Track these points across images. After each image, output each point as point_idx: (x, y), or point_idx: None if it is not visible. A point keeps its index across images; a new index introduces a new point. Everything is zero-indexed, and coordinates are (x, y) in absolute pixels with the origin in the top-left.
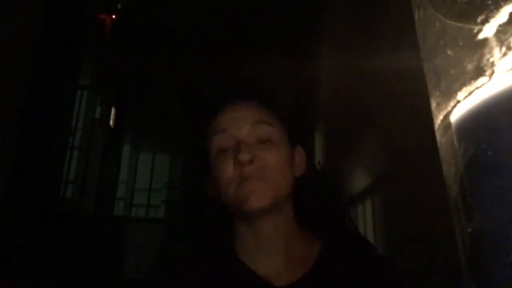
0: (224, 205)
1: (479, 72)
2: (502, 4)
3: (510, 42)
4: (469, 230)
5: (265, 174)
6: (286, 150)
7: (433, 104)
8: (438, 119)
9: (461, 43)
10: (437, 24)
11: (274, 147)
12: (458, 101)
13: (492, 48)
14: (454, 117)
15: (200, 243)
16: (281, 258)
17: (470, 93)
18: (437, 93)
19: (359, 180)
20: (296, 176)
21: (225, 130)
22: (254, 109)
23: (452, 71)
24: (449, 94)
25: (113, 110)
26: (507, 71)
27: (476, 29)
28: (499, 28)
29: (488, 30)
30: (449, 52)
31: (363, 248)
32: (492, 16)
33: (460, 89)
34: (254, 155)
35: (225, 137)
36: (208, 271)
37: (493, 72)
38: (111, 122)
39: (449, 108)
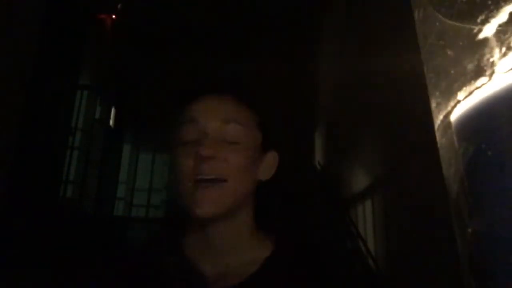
0: None
1: (479, 72)
2: (502, 4)
3: (510, 42)
4: (469, 230)
5: (223, 176)
6: (251, 153)
7: (433, 104)
8: (438, 119)
9: (461, 43)
10: (437, 24)
11: (239, 149)
12: (458, 101)
13: (492, 48)
14: (454, 117)
15: (154, 237)
16: (228, 261)
17: (470, 93)
18: (437, 93)
19: (359, 180)
20: (262, 179)
21: (194, 120)
22: (229, 104)
23: (452, 71)
24: (449, 94)
25: (113, 110)
26: (507, 71)
27: (476, 29)
28: (499, 28)
29: (488, 30)
30: (449, 52)
31: (308, 256)
32: (492, 16)
33: (460, 89)
34: (217, 152)
35: (192, 128)
36: (153, 265)
37: (493, 72)
38: (111, 122)
39: (449, 108)
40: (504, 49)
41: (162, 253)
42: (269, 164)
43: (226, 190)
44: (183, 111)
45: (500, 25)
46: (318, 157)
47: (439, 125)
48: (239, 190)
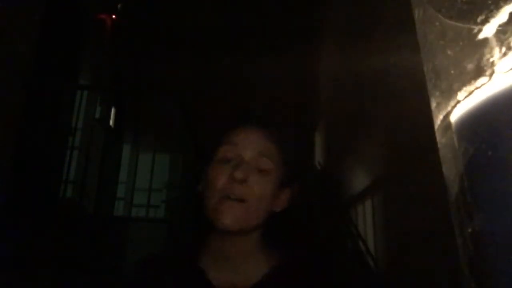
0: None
1: (479, 72)
2: (502, 4)
3: (510, 42)
4: (469, 230)
5: (248, 200)
6: (275, 186)
7: (433, 104)
8: (438, 119)
9: (461, 43)
10: (437, 24)
11: (267, 180)
12: (458, 101)
13: (492, 48)
14: (454, 117)
15: (173, 247)
16: (236, 273)
17: (470, 93)
18: (437, 93)
19: (359, 180)
20: (275, 210)
21: (235, 144)
22: (267, 141)
23: (452, 71)
24: (449, 94)
25: (113, 110)
26: (507, 71)
27: (476, 29)
28: (499, 28)
29: (488, 30)
30: (449, 52)
31: (310, 273)
32: (492, 16)
33: (460, 89)
34: (248, 178)
35: (233, 150)
36: (168, 275)
37: (493, 72)
38: (111, 122)
39: (449, 108)
40: (504, 49)
41: (181, 261)
42: (283, 199)
43: (247, 210)
44: (227, 134)
45: (500, 25)
46: (318, 157)
47: (439, 125)
48: (257, 213)
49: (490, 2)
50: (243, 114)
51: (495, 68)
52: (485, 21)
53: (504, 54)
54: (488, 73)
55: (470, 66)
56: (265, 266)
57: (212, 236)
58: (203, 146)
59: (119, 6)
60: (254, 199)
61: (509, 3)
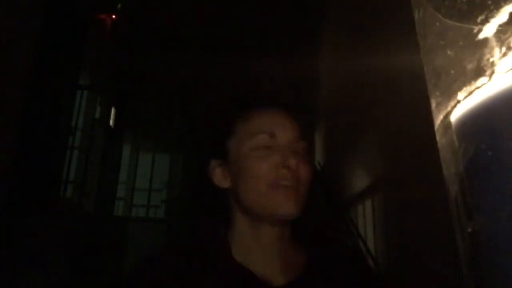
0: (228, 199)
1: (479, 72)
2: (502, 4)
3: (510, 42)
4: (469, 230)
5: (300, 186)
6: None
7: (433, 104)
8: (438, 119)
9: (461, 43)
10: (437, 24)
11: (309, 163)
12: (458, 101)
13: (492, 48)
14: (454, 117)
15: (195, 240)
16: (277, 261)
17: (470, 93)
18: (437, 93)
19: (359, 180)
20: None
21: (273, 134)
22: (297, 122)
23: (452, 71)
24: (449, 94)
25: (113, 110)
26: (507, 71)
27: (476, 29)
28: (499, 28)
29: (488, 30)
30: (449, 52)
31: (348, 256)
32: (492, 16)
33: (460, 89)
34: (300, 165)
35: (268, 139)
36: (202, 270)
37: (493, 72)
38: (111, 122)
39: (449, 108)
40: (504, 49)
41: (210, 254)
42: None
43: (301, 194)
44: (249, 120)
45: (500, 25)
46: (318, 157)
47: (439, 125)
48: (305, 198)
49: (490, 2)
50: (258, 97)
51: (495, 68)
52: (485, 21)
53: (504, 54)
54: (488, 73)
55: (470, 66)
56: (300, 257)
57: (241, 226)
58: (211, 139)
59: (119, 6)
60: (304, 185)
61: (509, 3)
